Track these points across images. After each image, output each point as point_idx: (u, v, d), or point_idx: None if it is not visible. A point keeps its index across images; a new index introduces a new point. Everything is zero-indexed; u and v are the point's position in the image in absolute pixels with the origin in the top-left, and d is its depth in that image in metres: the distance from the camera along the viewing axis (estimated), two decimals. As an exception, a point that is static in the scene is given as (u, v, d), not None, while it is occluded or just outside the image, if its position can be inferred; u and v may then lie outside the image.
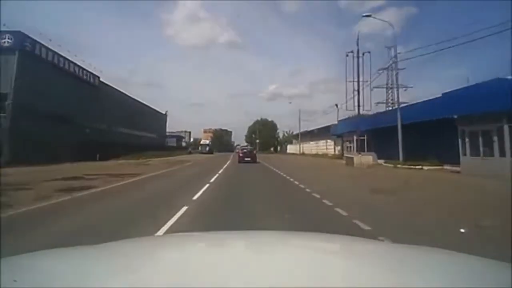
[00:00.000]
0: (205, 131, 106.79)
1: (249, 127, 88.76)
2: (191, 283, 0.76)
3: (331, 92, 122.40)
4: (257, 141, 76.20)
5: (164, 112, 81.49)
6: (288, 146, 63.86)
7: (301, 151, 47.52)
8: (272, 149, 76.52)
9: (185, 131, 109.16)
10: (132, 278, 0.85)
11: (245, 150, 24.68)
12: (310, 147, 43.44)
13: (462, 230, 3.96)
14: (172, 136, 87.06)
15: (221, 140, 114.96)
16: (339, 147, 30.99)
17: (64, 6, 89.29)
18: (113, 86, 36.65)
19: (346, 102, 22.27)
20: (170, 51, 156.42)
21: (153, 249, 1.28)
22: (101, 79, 31.72)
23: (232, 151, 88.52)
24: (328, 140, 35.21)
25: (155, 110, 65.82)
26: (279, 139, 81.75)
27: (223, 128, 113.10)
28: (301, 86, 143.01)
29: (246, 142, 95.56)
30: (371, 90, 23.28)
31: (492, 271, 0.95)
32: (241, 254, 1.22)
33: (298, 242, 1.44)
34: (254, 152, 25.02)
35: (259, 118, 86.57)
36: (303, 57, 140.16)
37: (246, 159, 22.81)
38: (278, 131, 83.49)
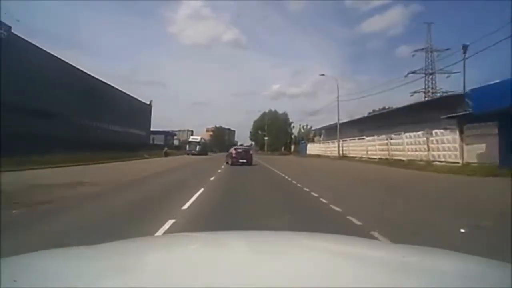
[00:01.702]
0: (207, 130, 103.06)
1: (255, 122, 70.72)
2: (190, 283, 0.75)
3: (335, 91, 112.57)
4: (266, 138, 58.12)
5: (148, 103, 66.19)
6: (309, 146, 45.89)
7: (341, 153, 29.33)
8: (283, 148, 58.67)
9: (188, 130, 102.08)
10: (132, 278, 0.84)
11: (239, 150, 20.78)
12: (363, 146, 24.94)
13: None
14: (160, 133, 71.59)
15: (222, 139, 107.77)
16: (481, 146, 12.84)
17: (67, 4, 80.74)
18: (44, 48, 22.86)
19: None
20: (173, 50, 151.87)
21: (152, 249, 1.27)
22: (13, 31, 18.90)
23: None
24: (439, 132, 15.16)
25: (131, 97, 51.06)
26: (293, 136, 63.68)
27: (227, 127, 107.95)
28: (304, 85, 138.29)
29: (251, 140, 78.18)
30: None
31: (492, 271, 0.93)
32: (240, 254, 1.19)
33: (298, 242, 1.41)
34: (251, 152, 21.54)
35: (266, 110, 68.52)
36: (307, 56, 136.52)
37: (241, 160, 18.98)
38: (292, 125, 65.37)
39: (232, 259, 1.05)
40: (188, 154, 42.05)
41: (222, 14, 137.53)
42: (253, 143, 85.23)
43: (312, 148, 43.00)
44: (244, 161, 19.01)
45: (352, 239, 1.65)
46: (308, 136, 59.16)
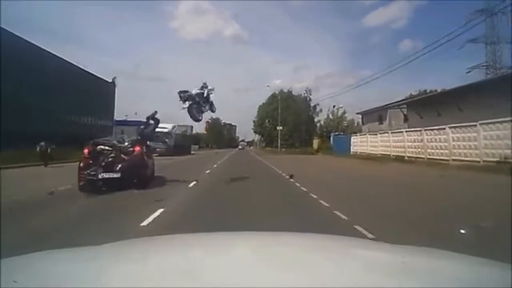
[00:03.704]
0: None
1: (260, 107, 50.78)
2: (189, 284, 0.76)
3: (337, 86, 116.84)
4: (279, 128, 38.13)
5: (110, 81, 46.97)
6: (355, 139, 26.56)
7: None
8: (296, 144, 39.45)
9: (187, 125, 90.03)
10: (131, 279, 0.83)
11: (102, 147, 7.73)
12: None
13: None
14: (131, 123, 52.22)
15: (220, 133, 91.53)
16: None
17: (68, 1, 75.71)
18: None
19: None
20: (175, 45, 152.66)
21: (152, 249, 1.25)
22: None
23: (235, 147, 70.44)
24: None
25: (82, 69, 34.67)
26: (319, 124, 43.59)
27: (227, 122, 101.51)
28: (307, 80, 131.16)
29: (256, 133, 58.38)
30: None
31: (492, 271, 0.93)
32: (239, 254, 1.19)
33: (298, 242, 1.39)
34: (135, 151, 7.92)
35: (276, 91, 48.14)
36: (308, 51, 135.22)
37: (105, 174, 7.16)
38: (318, 109, 43.86)
39: (232, 260, 1.04)
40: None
41: (224, 9, 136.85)
42: (255, 138, 66.23)
43: (367, 143, 23.64)
44: (115, 175, 7.21)
45: (352, 239, 1.63)
46: (341, 124, 39.83)
